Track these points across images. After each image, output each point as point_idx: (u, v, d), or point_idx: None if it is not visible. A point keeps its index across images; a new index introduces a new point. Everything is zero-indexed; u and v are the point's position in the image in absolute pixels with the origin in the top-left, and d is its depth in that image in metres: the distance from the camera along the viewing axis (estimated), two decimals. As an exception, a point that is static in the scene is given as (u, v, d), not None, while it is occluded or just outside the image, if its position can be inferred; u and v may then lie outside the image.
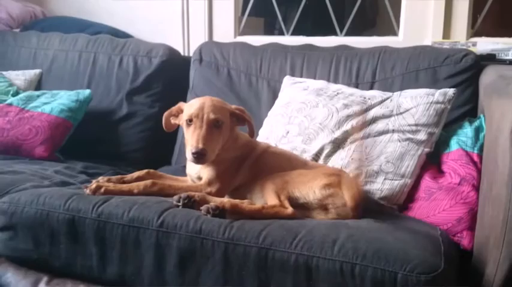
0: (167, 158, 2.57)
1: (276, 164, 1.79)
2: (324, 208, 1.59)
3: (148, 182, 1.69)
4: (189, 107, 1.72)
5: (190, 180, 1.86)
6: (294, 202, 1.58)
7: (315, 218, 1.57)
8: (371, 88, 2.21)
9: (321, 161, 1.94)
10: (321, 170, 1.72)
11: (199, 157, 1.58)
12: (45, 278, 1.57)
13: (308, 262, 1.29)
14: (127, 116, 2.59)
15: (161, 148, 2.58)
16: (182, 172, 2.02)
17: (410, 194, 1.80)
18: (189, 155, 1.61)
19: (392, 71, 2.23)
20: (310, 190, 1.60)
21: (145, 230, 1.45)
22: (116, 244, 1.48)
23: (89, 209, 1.52)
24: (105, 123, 2.59)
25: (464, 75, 2.12)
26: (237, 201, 1.54)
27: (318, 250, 1.29)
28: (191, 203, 1.53)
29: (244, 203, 1.54)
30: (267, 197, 1.60)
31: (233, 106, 1.77)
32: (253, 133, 1.81)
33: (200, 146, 1.58)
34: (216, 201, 1.54)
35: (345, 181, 1.64)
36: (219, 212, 1.46)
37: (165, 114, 1.82)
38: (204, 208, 1.47)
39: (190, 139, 1.64)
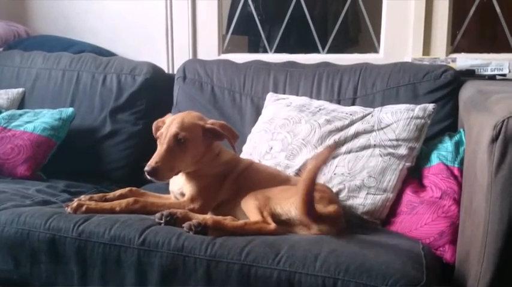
0: (151, 176, 2.55)
1: (259, 180, 1.79)
2: (305, 223, 1.58)
3: (130, 199, 1.68)
4: (166, 122, 1.75)
5: (173, 197, 1.86)
6: (276, 218, 1.58)
7: (298, 233, 1.57)
8: (353, 104, 2.23)
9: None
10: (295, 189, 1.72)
11: (150, 175, 1.59)
12: (25, 299, 1.54)
13: (290, 277, 1.29)
14: (110, 134, 2.58)
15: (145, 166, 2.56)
16: (165, 189, 2.01)
17: (393, 209, 1.81)
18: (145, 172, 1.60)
19: (373, 87, 2.26)
20: (291, 206, 1.59)
21: (126, 249, 1.44)
22: (97, 262, 1.47)
23: (69, 228, 1.51)
24: (89, 141, 2.58)
25: (444, 91, 2.14)
26: (219, 217, 1.54)
27: (300, 266, 1.29)
28: (173, 220, 1.52)
29: (227, 220, 1.54)
30: (250, 214, 1.60)
31: (210, 121, 1.77)
32: (232, 146, 1.80)
33: (152, 164, 1.59)
34: (198, 218, 1.54)
35: (326, 195, 1.65)
36: (201, 229, 1.46)
37: (154, 123, 1.83)
38: (186, 225, 1.47)
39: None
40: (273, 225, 1.53)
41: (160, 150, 1.66)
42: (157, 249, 1.41)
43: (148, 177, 1.61)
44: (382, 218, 1.80)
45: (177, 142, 1.67)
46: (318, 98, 2.29)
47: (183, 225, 1.48)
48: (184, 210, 1.60)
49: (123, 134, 2.59)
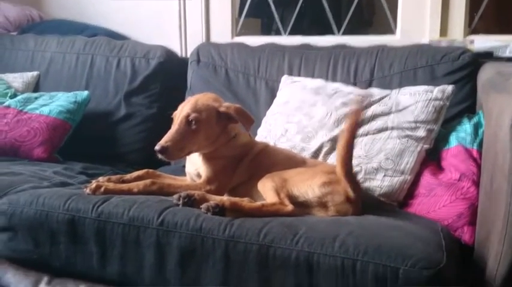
0: (166, 158, 2.56)
1: (275, 163, 1.79)
2: (323, 205, 1.58)
3: (147, 181, 1.69)
4: (182, 104, 1.76)
5: (190, 178, 1.86)
6: (293, 200, 1.57)
7: (315, 215, 1.57)
8: (369, 86, 2.21)
9: (320, 159, 1.94)
10: (320, 168, 1.72)
11: (160, 154, 1.61)
12: (45, 278, 1.56)
13: (309, 258, 1.29)
14: (125, 117, 2.58)
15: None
16: (181, 171, 2.02)
17: (410, 191, 1.80)
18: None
19: (390, 69, 2.23)
20: (309, 188, 1.59)
21: (145, 229, 1.45)
22: (116, 243, 1.47)
23: (88, 208, 1.51)
24: (104, 125, 2.58)
25: (462, 73, 2.12)
26: (236, 199, 1.54)
27: (318, 247, 1.29)
28: (191, 201, 1.52)
29: (244, 201, 1.54)
30: (266, 195, 1.60)
31: (226, 104, 1.76)
32: (247, 129, 1.79)
33: (162, 143, 1.61)
34: (215, 199, 1.54)
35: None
36: (219, 210, 1.46)
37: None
38: (204, 206, 1.47)
39: None
40: (290, 206, 1.53)
41: (172, 130, 1.67)
42: (175, 230, 1.42)
43: (159, 156, 1.62)
44: (400, 200, 1.79)
45: (188, 123, 1.67)
46: (334, 80, 2.27)
47: (201, 206, 1.48)
48: (202, 192, 1.60)
49: (137, 117, 2.59)
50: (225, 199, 1.53)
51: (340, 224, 1.40)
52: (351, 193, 1.57)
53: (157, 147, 1.61)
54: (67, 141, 2.42)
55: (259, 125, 2.22)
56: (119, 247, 1.47)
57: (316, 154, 1.95)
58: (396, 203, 1.79)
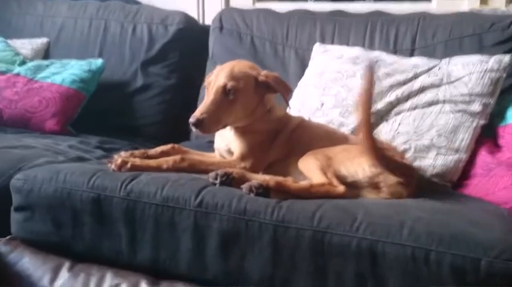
0: (186, 133, 2.39)
1: (314, 139, 1.63)
2: (374, 186, 1.42)
3: (177, 157, 1.53)
4: (214, 72, 1.60)
5: (219, 155, 1.71)
6: (340, 180, 1.41)
7: (365, 197, 1.41)
8: (411, 56, 2.03)
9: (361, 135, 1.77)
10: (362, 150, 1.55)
11: (195, 127, 1.47)
12: (67, 264, 1.40)
13: (373, 246, 1.13)
14: (142, 88, 2.43)
15: (180, 122, 2.36)
16: (205, 147, 1.87)
17: (465, 171, 1.65)
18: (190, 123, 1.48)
19: (433, 38, 2.05)
20: (358, 167, 1.43)
21: (181, 211, 1.29)
22: (147, 225, 1.32)
23: (116, 186, 1.35)
24: (119, 96, 2.43)
25: (515, 42, 1.94)
26: (280, 178, 1.38)
27: (384, 234, 1.13)
28: (229, 180, 1.36)
29: (289, 181, 1.38)
30: (311, 175, 1.43)
31: (264, 72, 1.60)
32: (286, 101, 1.64)
33: (197, 115, 1.46)
34: (257, 178, 1.38)
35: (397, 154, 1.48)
36: (263, 190, 1.30)
37: (206, 78, 1.66)
38: (246, 186, 1.31)
39: None
40: (341, 187, 1.37)
41: (207, 101, 1.51)
42: (216, 211, 1.26)
43: (193, 129, 1.48)
44: (454, 181, 1.64)
45: (225, 93, 1.52)
46: (372, 49, 2.09)
47: (243, 186, 1.32)
48: (241, 170, 1.44)
49: (155, 88, 2.44)
50: (268, 178, 1.37)
51: (402, 208, 1.24)
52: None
53: (192, 119, 1.46)
54: (80, 113, 2.28)
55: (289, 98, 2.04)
56: (151, 230, 1.31)
57: (357, 129, 1.78)
58: (450, 184, 1.64)
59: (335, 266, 1.16)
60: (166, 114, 2.43)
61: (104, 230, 1.36)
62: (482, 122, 1.68)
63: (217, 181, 1.36)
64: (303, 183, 1.38)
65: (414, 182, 1.45)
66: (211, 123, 1.49)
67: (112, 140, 2.19)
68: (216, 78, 1.55)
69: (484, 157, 1.62)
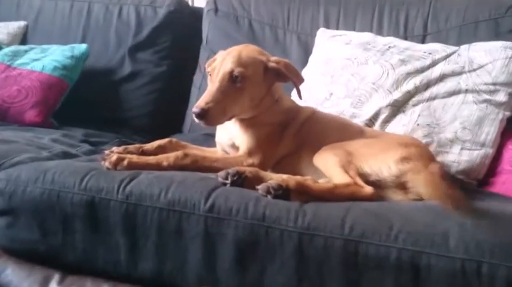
0: (178, 124, 2.25)
1: (327, 132, 1.49)
2: (401, 186, 1.27)
3: (179, 153, 1.37)
4: (218, 57, 1.45)
5: (221, 150, 1.55)
6: (362, 179, 1.26)
7: (391, 198, 1.27)
8: (422, 42, 1.90)
9: (376, 128, 1.64)
10: (392, 139, 1.41)
11: (199, 118, 1.32)
12: (56, 276, 1.23)
13: (415, 259, 0.99)
14: (130, 76, 2.26)
15: (171, 113, 2.26)
16: (201, 141, 1.73)
17: (490, 167, 1.52)
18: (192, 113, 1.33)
19: (447, 22, 1.93)
20: (383, 164, 1.28)
21: (189, 216, 1.13)
22: (150, 232, 1.15)
23: (113, 188, 1.18)
24: (105, 84, 2.26)
25: (533, 28, 1.82)
26: (300, 178, 1.22)
27: (427, 244, 0.99)
28: (241, 180, 1.21)
29: (309, 181, 1.23)
30: (331, 173, 1.29)
31: (274, 58, 1.45)
32: (298, 90, 1.49)
33: (201, 104, 1.31)
34: (273, 177, 1.23)
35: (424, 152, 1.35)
36: (282, 192, 1.15)
37: (206, 64, 1.52)
38: (263, 187, 1.16)
39: None
40: (368, 188, 1.22)
41: (212, 89, 1.36)
42: (230, 217, 1.10)
43: (196, 120, 1.33)
44: (480, 178, 1.51)
45: (233, 80, 1.37)
46: (380, 34, 1.95)
47: (259, 187, 1.16)
48: (255, 168, 1.28)
49: (144, 76, 2.27)
50: (285, 177, 1.22)
51: (441, 213, 1.09)
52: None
53: (195, 109, 1.31)
54: (63, 103, 2.10)
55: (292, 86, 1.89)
56: (155, 238, 1.15)
57: (371, 121, 1.65)
58: (475, 181, 1.51)
59: (371, 281, 1.01)
60: (156, 105, 2.26)
61: (99, 238, 1.19)
62: (508, 113, 1.55)
63: (228, 181, 1.20)
64: (326, 183, 1.23)
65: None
66: (217, 114, 1.34)
67: (98, 133, 2.01)
68: (221, 64, 1.39)
69: (511, 151, 1.49)
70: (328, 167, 1.31)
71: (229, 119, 1.41)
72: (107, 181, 1.20)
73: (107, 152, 1.41)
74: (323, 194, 1.18)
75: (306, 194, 1.17)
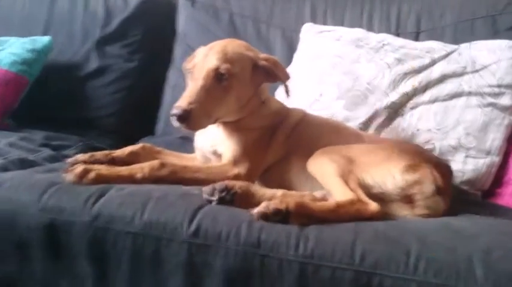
0: (150, 126, 2.08)
1: (320, 136, 1.35)
2: (407, 200, 1.13)
3: (155, 163, 1.20)
4: (198, 53, 1.31)
5: (200, 156, 1.39)
6: (364, 191, 1.11)
7: (396, 214, 1.12)
8: (416, 40, 1.77)
9: (371, 133, 1.50)
10: (393, 145, 1.27)
11: (180, 121, 1.16)
12: (11, 310, 1.05)
13: (440, 294, 0.85)
14: (97, 72, 2.08)
15: (142, 113, 2.09)
16: (177, 145, 1.60)
17: (496, 177, 1.40)
18: (171, 116, 1.17)
19: (441, 19, 1.82)
20: (387, 174, 1.14)
21: (170, 242, 0.96)
22: (123, 262, 0.98)
23: (78, 208, 1.01)
24: (69, 81, 2.07)
25: (532, 26, 1.71)
26: (298, 197, 1.08)
27: (452, 275, 0.85)
28: (230, 196, 1.05)
29: (305, 198, 1.08)
30: (331, 184, 1.13)
31: (263, 55, 1.30)
32: (287, 91, 1.34)
33: (183, 105, 1.16)
34: (266, 193, 1.08)
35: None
36: (282, 217, 0.98)
37: (183, 64, 1.37)
38: (258, 212, 0.98)
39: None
40: (374, 205, 1.07)
41: (194, 87, 1.20)
42: (219, 243, 0.94)
43: (176, 124, 1.16)
44: (485, 188, 1.39)
45: (218, 78, 1.22)
46: (371, 31, 1.81)
47: (253, 212, 0.99)
48: (245, 183, 1.12)
49: (113, 72, 2.10)
50: (280, 193, 1.07)
51: (461, 233, 0.96)
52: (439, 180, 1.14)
53: (176, 111, 1.15)
54: (22, 102, 1.90)
55: (276, 86, 1.73)
56: (128, 268, 0.97)
57: (366, 125, 1.51)
58: (480, 192, 1.38)
59: (386, 320, 0.87)
60: (125, 104, 2.08)
61: (61, 267, 1.02)
62: (513, 118, 1.44)
63: (215, 198, 1.04)
64: (328, 203, 1.07)
65: (451, 189, 1.19)
66: (201, 116, 1.19)
67: (61, 136, 1.82)
68: (204, 60, 1.24)
69: (519, 160, 1.37)
70: (325, 176, 1.16)
71: (214, 122, 1.25)
72: (71, 199, 1.03)
73: (70, 160, 1.23)
74: (326, 215, 1.02)
75: (307, 216, 1.01)
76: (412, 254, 0.89)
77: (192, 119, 1.16)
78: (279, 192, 1.09)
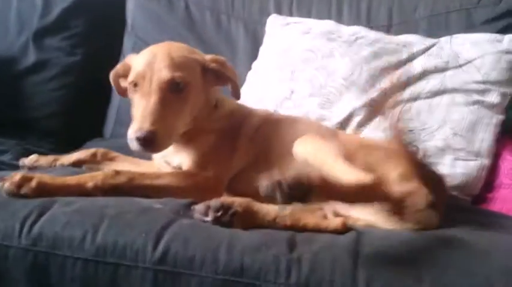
0: (97, 127, 1.90)
1: (292, 134, 1.18)
2: (398, 211, 0.99)
3: (108, 172, 1.02)
4: (137, 62, 1.14)
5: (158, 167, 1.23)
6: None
7: (379, 227, 0.97)
8: (388, 33, 1.66)
9: (349, 133, 1.37)
10: (381, 148, 1.13)
11: (146, 144, 1.01)
12: None
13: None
14: (35, 67, 1.88)
15: (88, 113, 1.90)
16: (129, 149, 1.36)
17: (486, 181, 1.30)
18: (131, 140, 1.03)
19: (415, 12, 1.72)
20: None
21: (130, 270, 0.78)
22: (71, 294, 0.79)
23: (13, 228, 0.82)
24: (4, 77, 1.87)
25: (508, 20, 1.63)
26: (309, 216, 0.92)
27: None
28: (228, 217, 0.88)
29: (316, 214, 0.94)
30: (332, 164, 0.94)
31: (208, 56, 1.17)
32: (237, 94, 1.23)
33: (146, 126, 1.01)
34: (270, 211, 0.92)
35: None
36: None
37: (112, 74, 1.24)
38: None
39: (134, 114, 1.07)
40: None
41: (150, 104, 1.05)
42: (192, 271, 0.76)
43: (137, 147, 1.02)
44: (475, 193, 1.28)
45: (173, 89, 1.08)
46: (340, 23, 1.69)
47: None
48: (245, 199, 0.94)
49: (53, 67, 1.90)
50: (287, 213, 0.91)
51: (471, 251, 0.83)
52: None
53: (139, 134, 1.00)
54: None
55: (241, 82, 1.59)
56: (78, 302, 0.79)
57: (343, 124, 1.38)
58: (470, 198, 1.28)
59: None
60: (68, 103, 1.89)
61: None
62: (501, 117, 1.35)
63: (209, 219, 0.87)
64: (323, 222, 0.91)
65: (445, 200, 1.06)
66: (167, 136, 1.05)
67: (-5, 139, 1.61)
68: (151, 71, 1.08)
69: (509, 162, 1.27)
70: (323, 156, 0.97)
71: (176, 139, 1.10)
72: (5, 217, 0.83)
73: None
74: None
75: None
76: (424, 280, 0.74)
77: (158, 141, 1.01)
78: (287, 210, 0.92)
